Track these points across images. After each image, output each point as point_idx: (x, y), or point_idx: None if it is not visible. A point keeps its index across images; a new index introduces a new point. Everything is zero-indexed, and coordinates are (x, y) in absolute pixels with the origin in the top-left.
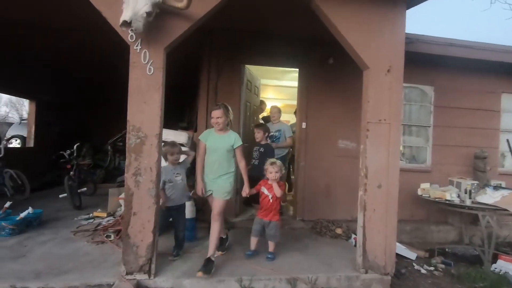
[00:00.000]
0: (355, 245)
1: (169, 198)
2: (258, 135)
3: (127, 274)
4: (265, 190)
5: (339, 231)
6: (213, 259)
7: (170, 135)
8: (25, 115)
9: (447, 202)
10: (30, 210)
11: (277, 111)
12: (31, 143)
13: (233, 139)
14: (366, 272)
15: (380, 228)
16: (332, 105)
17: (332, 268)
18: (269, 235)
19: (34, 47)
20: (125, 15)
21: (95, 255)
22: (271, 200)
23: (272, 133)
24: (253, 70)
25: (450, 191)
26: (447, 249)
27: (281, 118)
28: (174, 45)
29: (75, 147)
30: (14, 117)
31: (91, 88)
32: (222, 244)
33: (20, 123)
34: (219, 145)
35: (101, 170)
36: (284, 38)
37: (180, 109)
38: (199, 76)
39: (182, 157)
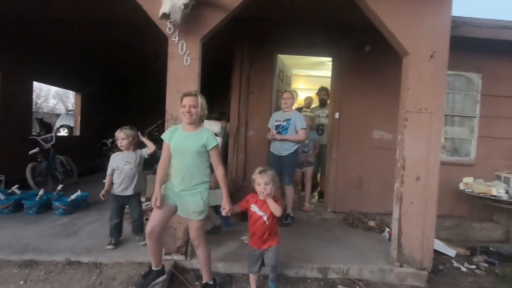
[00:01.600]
0: (389, 239)
1: (117, 186)
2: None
3: (165, 254)
4: (256, 209)
5: (372, 223)
6: (211, 283)
7: (206, 124)
8: (70, 107)
9: (493, 198)
10: (78, 192)
11: (289, 96)
12: (77, 132)
13: (206, 137)
14: (401, 266)
15: (417, 222)
16: (367, 95)
17: (365, 260)
18: (267, 265)
19: (78, 43)
20: (164, 8)
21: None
22: (267, 222)
23: (278, 122)
24: (284, 59)
25: (497, 186)
26: (491, 248)
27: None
28: (210, 35)
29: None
30: (61, 108)
31: (130, 80)
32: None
33: (67, 114)
34: (187, 146)
35: None
36: (318, 26)
37: (212, 100)
38: (231, 66)
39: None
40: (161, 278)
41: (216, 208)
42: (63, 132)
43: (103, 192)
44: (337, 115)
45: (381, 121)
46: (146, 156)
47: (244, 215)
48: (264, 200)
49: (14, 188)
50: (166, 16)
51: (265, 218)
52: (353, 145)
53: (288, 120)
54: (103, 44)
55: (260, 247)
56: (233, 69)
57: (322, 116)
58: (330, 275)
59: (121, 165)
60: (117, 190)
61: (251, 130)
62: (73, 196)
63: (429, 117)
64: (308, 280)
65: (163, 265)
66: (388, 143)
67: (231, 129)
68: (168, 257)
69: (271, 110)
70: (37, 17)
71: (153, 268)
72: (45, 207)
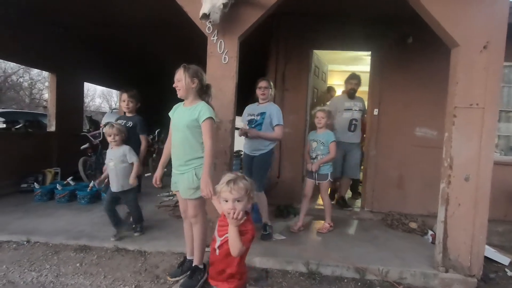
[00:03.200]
0: (432, 242)
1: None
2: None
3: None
4: (216, 232)
5: (413, 225)
6: (201, 266)
7: (238, 121)
8: (114, 105)
9: None
10: None
11: (265, 84)
12: None
13: (198, 111)
14: (447, 271)
15: (466, 226)
16: (409, 90)
17: (406, 263)
18: None
19: (124, 45)
20: (204, 8)
21: (176, 227)
22: (216, 252)
23: (251, 117)
24: (320, 55)
25: None
26: None
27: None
28: (247, 34)
29: (156, 132)
30: (105, 107)
31: (168, 79)
32: (194, 275)
33: (112, 112)
34: (181, 120)
35: None
36: (356, 20)
37: (245, 97)
38: (266, 63)
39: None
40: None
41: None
42: None
43: (97, 180)
44: (376, 112)
45: (425, 117)
46: (127, 152)
47: (279, 211)
48: (227, 223)
49: (69, 180)
50: (206, 16)
51: (217, 244)
52: (393, 143)
53: (262, 113)
54: (146, 45)
55: (211, 282)
56: (268, 66)
57: (355, 110)
58: (368, 276)
59: (107, 162)
60: (111, 186)
61: (286, 128)
62: None
63: (481, 113)
64: (345, 280)
65: (204, 264)
66: (432, 140)
67: None
68: (207, 249)
69: (306, 107)
70: (88, 22)
71: (188, 258)
72: (95, 198)
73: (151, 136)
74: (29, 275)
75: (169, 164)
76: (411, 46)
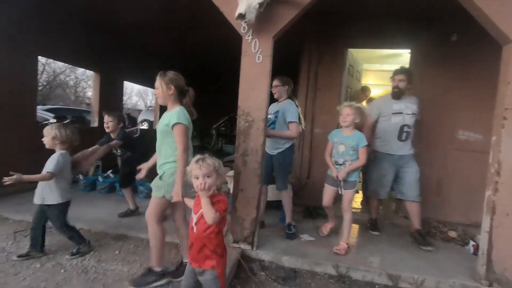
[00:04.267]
0: (474, 253)
1: None
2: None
3: (233, 242)
4: (192, 213)
5: (452, 234)
6: (155, 270)
7: None
8: (149, 103)
9: None
10: None
11: (276, 83)
12: (155, 126)
13: (170, 116)
14: (490, 286)
15: None
16: (452, 90)
17: (443, 273)
18: None
19: (161, 46)
20: (241, 8)
21: None
22: (194, 229)
23: (269, 116)
24: (354, 53)
25: None
26: None
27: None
28: (281, 33)
29: None
30: (141, 104)
31: (199, 78)
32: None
33: (147, 109)
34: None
35: (207, 152)
36: (395, 16)
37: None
38: (299, 62)
39: None
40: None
41: (277, 204)
42: (144, 126)
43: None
44: None
45: (469, 120)
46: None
47: (308, 212)
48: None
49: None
50: (241, 16)
51: (193, 221)
52: (432, 146)
53: (276, 112)
54: (181, 45)
55: (192, 263)
56: (301, 66)
57: (407, 113)
58: (401, 284)
59: None
60: None
61: (317, 128)
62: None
63: None
64: (376, 286)
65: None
66: (476, 144)
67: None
68: (235, 245)
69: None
70: (130, 23)
71: (183, 260)
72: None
73: None
74: (74, 259)
75: None
76: (454, 44)
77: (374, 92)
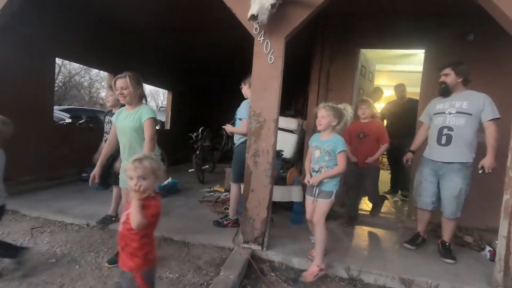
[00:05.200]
0: (491, 259)
1: None
2: (110, 97)
3: (244, 242)
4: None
5: (468, 239)
6: None
7: (281, 121)
8: (160, 104)
9: None
10: (169, 179)
11: (246, 82)
12: (167, 126)
13: (140, 113)
14: None
15: None
16: None
17: (459, 279)
18: None
19: (171, 46)
20: (253, 9)
21: None
22: (120, 228)
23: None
24: (367, 53)
25: None
26: None
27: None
28: (293, 33)
29: (199, 130)
30: (153, 105)
31: (208, 79)
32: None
33: (159, 110)
34: (126, 124)
35: (217, 152)
36: (409, 15)
37: (287, 97)
38: (310, 62)
39: None
40: None
41: (288, 205)
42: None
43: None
44: None
45: None
46: None
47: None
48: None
49: None
50: (254, 17)
51: (122, 219)
52: None
53: (238, 111)
54: (193, 47)
55: (118, 261)
56: (312, 66)
57: (450, 113)
58: None
59: None
60: None
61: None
62: (165, 182)
63: None
64: None
65: None
66: None
67: (308, 127)
68: (245, 245)
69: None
70: (145, 26)
71: None
72: None
73: (195, 134)
74: (88, 255)
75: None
76: (471, 43)
77: (387, 93)
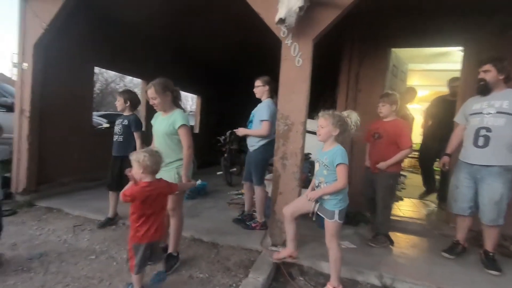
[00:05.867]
0: None
1: None
2: (118, 103)
3: (272, 245)
4: None
5: None
6: (175, 254)
7: (309, 124)
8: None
9: None
10: (199, 181)
11: (258, 83)
12: (196, 130)
13: (173, 119)
14: None
15: None
16: None
17: None
18: None
19: (199, 52)
20: (281, 13)
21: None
22: None
23: (251, 116)
24: (399, 52)
25: None
26: None
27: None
28: (322, 35)
29: (227, 134)
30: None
31: (238, 83)
32: (168, 261)
33: (188, 114)
34: (160, 128)
35: (244, 155)
36: (444, 11)
37: (314, 99)
38: (338, 63)
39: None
40: None
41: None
42: None
43: None
44: None
45: None
46: None
47: (348, 218)
48: None
49: None
50: (282, 21)
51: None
52: None
53: (254, 111)
54: (222, 52)
55: None
56: (341, 67)
57: (488, 113)
58: None
59: None
60: None
61: (358, 130)
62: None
63: None
64: None
65: (178, 252)
66: None
67: None
68: (274, 248)
69: None
70: (175, 33)
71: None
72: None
73: (223, 137)
74: (124, 253)
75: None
76: None
77: (421, 94)
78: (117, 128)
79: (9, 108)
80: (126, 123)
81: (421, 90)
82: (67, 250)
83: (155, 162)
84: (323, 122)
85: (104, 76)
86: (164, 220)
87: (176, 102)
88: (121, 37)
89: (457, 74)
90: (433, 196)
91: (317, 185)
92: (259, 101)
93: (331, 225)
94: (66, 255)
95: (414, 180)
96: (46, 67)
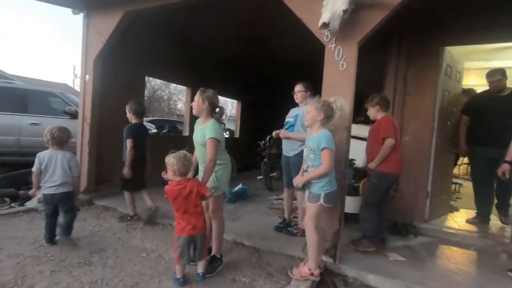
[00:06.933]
0: None
1: None
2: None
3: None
4: None
5: None
6: (218, 256)
7: (352, 128)
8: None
9: None
10: (240, 185)
11: (299, 88)
12: (237, 134)
13: (205, 129)
14: None
15: None
16: None
17: None
18: None
19: (239, 58)
20: (324, 17)
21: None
22: None
23: (288, 119)
24: (452, 50)
25: None
26: None
27: None
28: (367, 38)
29: (267, 138)
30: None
31: (278, 88)
32: (212, 263)
33: (229, 119)
34: (196, 138)
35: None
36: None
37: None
38: (384, 66)
39: None
40: None
41: (355, 216)
42: (225, 135)
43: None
44: None
45: None
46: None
47: (396, 228)
48: None
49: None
50: (325, 25)
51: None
52: None
53: (296, 116)
54: (261, 58)
55: None
56: (387, 69)
57: None
58: None
59: None
60: None
61: (406, 136)
62: (236, 188)
63: None
64: None
65: (221, 254)
66: None
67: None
68: None
69: (434, 114)
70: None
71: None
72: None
73: (263, 142)
74: (171, 252)
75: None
76: None
77: None
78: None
79: (73, 116)
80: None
81: (480, 91)
82: (121, 246)
83: (183, 166)
84: (308, 108)
85: (151, 84)
86: (204, 220)
87: (213, 114)
88: (167, 48)
89: None
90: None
91: (305, 169)
92: (296, 105)
93: (312, 208)
94: (121, 252)
95: (471, 189)
96: (103, 78)
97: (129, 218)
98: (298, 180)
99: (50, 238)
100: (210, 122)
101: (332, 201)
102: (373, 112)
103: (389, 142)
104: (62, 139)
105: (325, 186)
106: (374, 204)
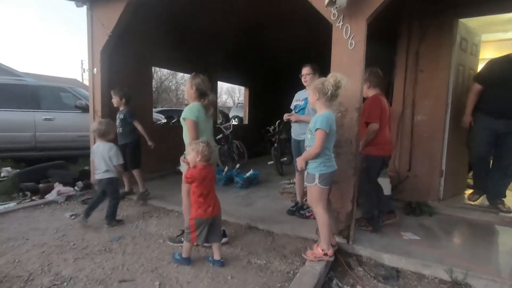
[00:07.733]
0: None
1: None
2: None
3: None
4: None
5: None
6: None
7: None
8: (237, 100)
9: None
10: (251, 171)
11: (307, 71)
12: (246, 121)
13: (184, 110)
14: None
15: None
16: None
17: None
18: None
19: (245, 44)
20: None
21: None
22: None
23: (297, 102)
24: (468, 23)
25: None
26: None
27: None
28: (375, 14)
29: (276, 123)
30: (230, 102)
31: (285, 72)
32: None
33: (237, 106)
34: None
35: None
36: None
37: None
38: (395, 43)
39: None
40: None
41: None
42: (234, 122)
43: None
44: None
45: None
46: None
47: (410, 208)
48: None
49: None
50: (332, 2)
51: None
52: None
53: (306, 99)
54: (266, 41)
55: None
56: (398, 46)
57: None
58: None
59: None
60: None
61: (419, 114)
62: (248, 174)
63: None
64: None
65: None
66: None
67: (394, 113)
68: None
69: (448, 90)
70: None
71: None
72: (228, 181)
73: (272, 127)
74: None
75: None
76: None
77: None
78: (118, 122)
79: (84, 109)
80: (122, 117)
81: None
82: (139, 234)
83: (210, 152)
84: (311, 92)
85: (158, 74)
86: (217, 201)
87: (199, 99)
88: (174, 37)
89: None
90: None
91: (306, 150)
92: (302, 89)
93: (313, 189)
94: (139, 239)
95: None
96: (111, 70)
97: (147, 193)
98: (298, 164)
99: (87, 213)
100: (192, 104)
101: (328, 182)
102: (365, 89)
103: (372, 127)
104: (101, 131)
105: (319, 167)
106: (369, 188)
